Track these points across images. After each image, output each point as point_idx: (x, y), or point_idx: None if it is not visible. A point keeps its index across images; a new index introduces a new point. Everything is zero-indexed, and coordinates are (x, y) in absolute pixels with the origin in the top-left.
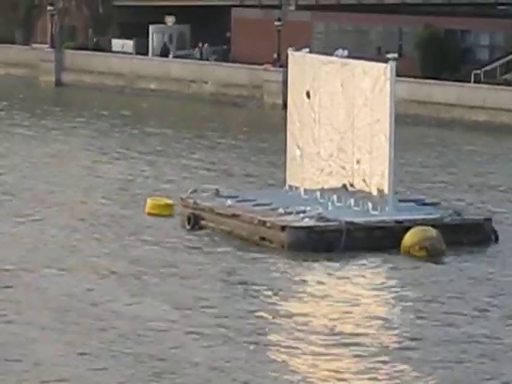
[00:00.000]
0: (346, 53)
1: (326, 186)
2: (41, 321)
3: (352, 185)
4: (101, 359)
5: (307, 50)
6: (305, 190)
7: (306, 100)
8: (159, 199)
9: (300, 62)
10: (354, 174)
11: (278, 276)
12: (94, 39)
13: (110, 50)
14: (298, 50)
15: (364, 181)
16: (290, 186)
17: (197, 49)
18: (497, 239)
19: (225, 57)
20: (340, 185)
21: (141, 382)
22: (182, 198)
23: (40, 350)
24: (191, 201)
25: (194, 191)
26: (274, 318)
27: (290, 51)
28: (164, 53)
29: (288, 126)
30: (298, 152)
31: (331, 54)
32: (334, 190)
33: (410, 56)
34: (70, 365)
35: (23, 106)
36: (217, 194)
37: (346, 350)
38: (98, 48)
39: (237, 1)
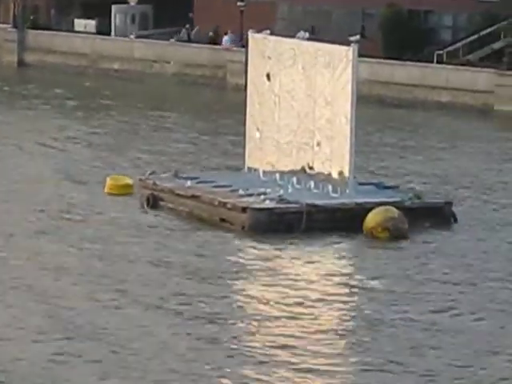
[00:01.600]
0: (307, 35)
1: (285, 169)
2: None
3: (311, 167)
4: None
5: (268, 31)
6: (264, 172)
7: (267, 82)
8: (118, 178)
9: (260, 44)
10: (315, 156)
11: (238, 257)
12: (31, 17)
13: (71, 30)
14: (259, 31)
15: (324, 163)
16: (249, 168)
17: (184, 30)
18: (455, 222)
19: (214, 42)
20: (299, 167)
21: None
22: (140, 179)
23: None
24: (150, 181)
25: (153, 172)
26: (231, 299)
27: (250, 33)
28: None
29: (248, 108)
30: (257, 134)
31: (294, 36)
32: (293, 173)
33: (373, 36)
34: None
35: None
36: (175, 175)
37: (299, 331)
38: (34, 27)
39: None
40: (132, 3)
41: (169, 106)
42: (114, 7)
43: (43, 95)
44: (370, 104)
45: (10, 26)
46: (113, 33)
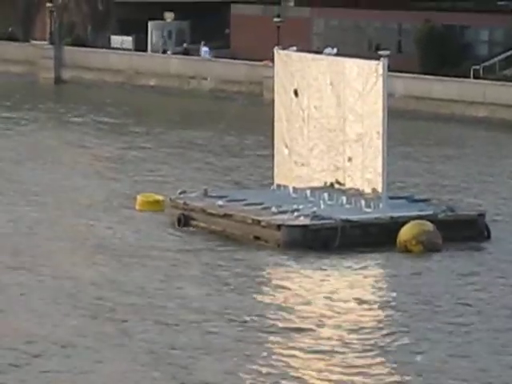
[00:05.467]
0: (334, 51)
1: (315, 185)
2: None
3: (340, 183)
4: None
5: (294, 48)
6: (294, 189)
7: (294, 98)
8: (149, 195)
9: (287, 59)
10: (346, 171)
11: (274, 274)
12: (10, 28)
13: (108, 47)
14: (285, 48)
15: (355, 178)
16: (278, 185)
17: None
18: (489, 235)
19: (187, 53)
20: (329, 183)
21: None
22: (170, 199)
23: None
24: (181, 201)
25: (183, 192)
26: (270, 315)
27: (275, 49)
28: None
29: (275, 125)
30: (285, 151)
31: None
32: (324, 189)
33: (410, 52)
34: None
35: (22, 103)
36: (205, 194)
37: (336, 344)
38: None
39: None
40: (168, 20)
41: (203, 122)
42: (150, 24)
43: (79, 112)
44: (407, 119)
45: (46, 42)
46: (149, 49)
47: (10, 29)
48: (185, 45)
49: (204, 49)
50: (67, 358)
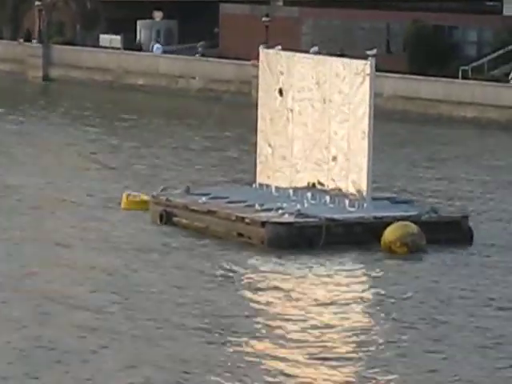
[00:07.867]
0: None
1: (298, 184)
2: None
3: (322, 184)
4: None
5: (279, 47)
6: (276, 188)
7: (279, 98)
8: (134, 194)
9: (272, 58)
10: (330, 171)
11: (257, 271)
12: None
13: (97, 46)
14: (272, 47)
15: (340, 178)
16: (260, 184)
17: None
18: (471, 237)
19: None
20: (311, 184)
21: None
22: (153, 196)
23: None
24: (163, 198)
25: (165, 189)
26: (250, 315)
27: (261, 48)
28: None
29: (258, 124)
30: (269, 150)
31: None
32: (307, 188)
33: (398, 52)
34: None
35: (10, 101)
36: (187, 191)
37: (317, 350)
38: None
39: None
40: (157, 19)
41: (188, 121)
42: (139, 23)
43: (66, 110)
44: (394, 120)
45: (35, 41)
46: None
47: None
48: (137, 41)
49: (156, 45)
50: None
